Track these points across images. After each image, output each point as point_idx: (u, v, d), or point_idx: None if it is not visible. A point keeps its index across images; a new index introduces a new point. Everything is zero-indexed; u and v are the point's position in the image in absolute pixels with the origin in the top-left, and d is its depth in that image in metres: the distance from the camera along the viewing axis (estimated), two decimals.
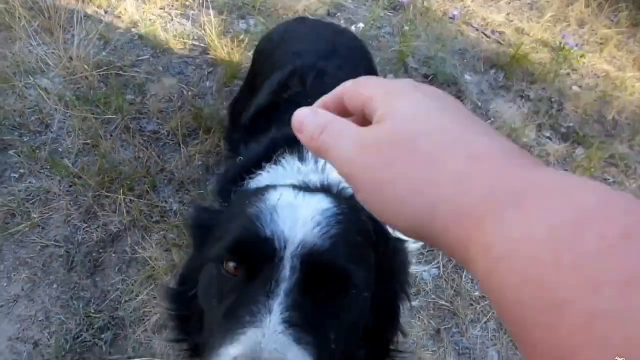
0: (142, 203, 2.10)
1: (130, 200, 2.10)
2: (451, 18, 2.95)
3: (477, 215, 0.34)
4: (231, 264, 0.79)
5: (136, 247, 2.02)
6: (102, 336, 1.85)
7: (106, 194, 2.11)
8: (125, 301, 1.93)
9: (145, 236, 2.05)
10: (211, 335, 0.77)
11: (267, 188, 0.93)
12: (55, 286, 1.95)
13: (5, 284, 1.94)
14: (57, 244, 2.02)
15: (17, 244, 2.01)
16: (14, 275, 1.96)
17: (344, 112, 0.49)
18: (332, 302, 0.77)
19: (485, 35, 2.93)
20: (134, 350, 1.85)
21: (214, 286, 0.82)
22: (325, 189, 1.01)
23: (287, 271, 0.73)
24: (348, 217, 0.83)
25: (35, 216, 2.06)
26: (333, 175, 1.12)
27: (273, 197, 0.84)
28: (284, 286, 0.72)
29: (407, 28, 2.71)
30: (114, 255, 2.03)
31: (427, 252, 2.18)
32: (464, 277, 2.13)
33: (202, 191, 2.15)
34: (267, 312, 0.68)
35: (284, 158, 1.22)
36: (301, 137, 0.47)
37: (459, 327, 2.02)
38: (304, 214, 0.80)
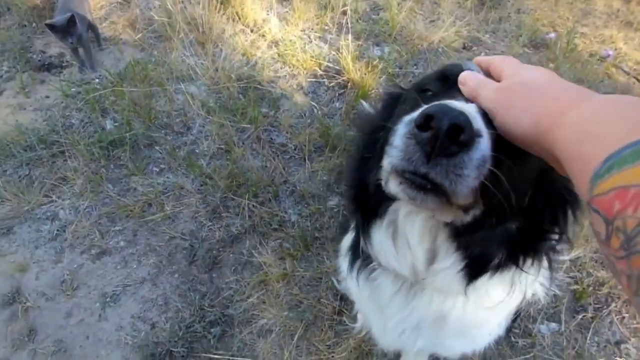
0: (264, 210, 2.19)
1: (253, 205, 2.20)
2: (603, 58, 2.75)
3: (561, 116, 0.56)
4: (430, 93, 0.86)
5: (253, 251, 2.11)
6: (212, 330, 1.94)
7: (232, 197, 2.24)
8: (237, 301, 2.00)
9: (262, 242, 2.13)
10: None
11: None
12: (176, 275, 2.09)
13: (135, 266, 2.12)
14: (183, 236, 2.17)
15: (149, 231, 2.20)
16: (144, 259, 2.13)
17: (486, 71, 0.77)
18: None
19: (638, 80, 2.69)
20: (238, 350, 1.91)
21: (411, 104, 0.86)
22: None
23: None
24: None
25: (168, 208, 2.23)
26: None
27: None
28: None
29: (552, 65, 2.57)
30: (231, 255, 2.13)
31: (548, 304, 2.01)
32: (588, 338, 1.92)
33: (321, 206, 2.19)
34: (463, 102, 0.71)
35: None
36: (463, 88, 0.73)
37: None
38: None
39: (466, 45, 2.90)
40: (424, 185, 0.68)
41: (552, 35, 2.80)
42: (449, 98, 0.72)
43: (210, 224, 2.20)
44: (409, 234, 0.95)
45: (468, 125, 0.62)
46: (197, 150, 2.44)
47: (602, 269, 2.07)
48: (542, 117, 0.59)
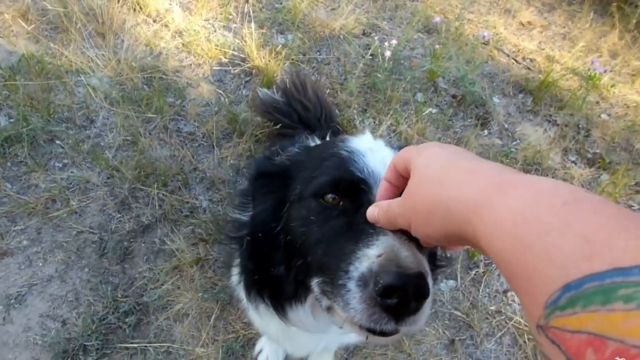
0: (174, 198, 2.21)
1: (163, 194, 2.21)
2: (483, 41, 3.02)
3: (475, 205, 0.51)
4: (330, 196, 0.90)
5: (165, 239, 2.12)
6: (127, 320, 1.93)
7: (141, 187, 2.23)
8: (151, 288, 2.01)
9: (174, 229, 2.14)
10: (324, 254, 0.88)
11: (340, 138, 1.07)
12: (86, 270, 2.05)
13: (41, 264, 2.05)
14: (92, 230, 2.14)
15: (54, 228, 2.14)
16: (50, 256, 2.07)
17: (400, 176, 0.73)
18: None
19: (516, 60, 2.99)
20: (155, 336, 1.93)
21: (315, 215, 0.92)
22: None
23: None
24: None
25: (73, 203, 2.18)
26: None
27: (353, 143, 0.98)
28: None
29: (438, 46, 2.79)
30: (143, 245, 2.13)
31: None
32: (480, 290, 2.14)
33: (232, 191, 2.24)
34: (387, 230, 0.77)
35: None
36: (379, 224, 0.75)
37: (473, 339, 2.02)
38: (383, 154, 0.94)
39: (365, 31, 3.06)
40: (389, 333, 0.76)
41: (438, 20, 3.02)
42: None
43: (119, 215, 2.18)
44: None
45: (427, 284, 0.70)
46: (102, 143, 2.39)
47: None
48: (455, 212, 0.54)
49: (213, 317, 1.97)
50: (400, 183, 0.74)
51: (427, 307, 0.73)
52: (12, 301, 1.96)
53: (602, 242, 0.38)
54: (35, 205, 2.15)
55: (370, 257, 0.74)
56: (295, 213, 0.98)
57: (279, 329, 1.27)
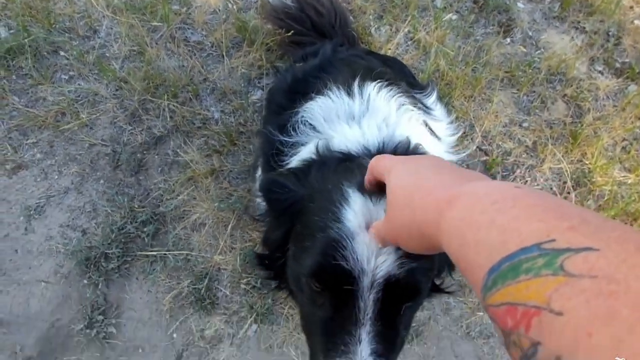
0: (185, 109, 2.15)
1: (174, 106, 2.15)
2: None
3: (437, 223, 0.60)
4: (315, 283, 0.90)
5: (178, 150, 2.10)
6: (145, 229, 1.96)
7: (151, 98, 2.17)
8: (167, 199, 2.02)
9: (187, 140, 2.11)
10: (308, 332, 0.99)
11: (346, 177, 0.96)
12: (101, 181, 2.06)
13: (57, 177, 2.06)
14: (104, 143, 2.11)
15: (66, 141, 2.11)
16: (64, 169, 2.07)
17: (376, 180, 0.85)
18: (402, 310, 0.89)
19: None
20: (173, 245, 1.96)
21: (304, 290, 0.94)
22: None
23: (367, 299, 0.84)
24: None
25: (83, 116, 2.14)
26: (379, 107, 1.25)
27: (348, 210, 0.88)
28: (367, 314, 0.84)
29: None
30: (156, 156, 2.11)
31: None
32: None
33: (244, 101, 2.18)
34: (357, 342, 0.83)
35: (331, 90, 1.30)
36: (378, 243, 0.83)
37: None
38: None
39: None
40: None
41: None
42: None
43: (130, 127, 2.14)
44: None
45: None
46: (107, 54, 2.30)
47: (509, 140, 2.26)
48: (424, 228, 0.64)
49: (230, 226, 1.98)
50: (376, 185, 0.87)
51: None
52: (31, 212, 1.99)
53: (514, 229, 0.46)
54: (45, 119, 2.12)
55: None
56: (290, 270, 1.02)
57: None
